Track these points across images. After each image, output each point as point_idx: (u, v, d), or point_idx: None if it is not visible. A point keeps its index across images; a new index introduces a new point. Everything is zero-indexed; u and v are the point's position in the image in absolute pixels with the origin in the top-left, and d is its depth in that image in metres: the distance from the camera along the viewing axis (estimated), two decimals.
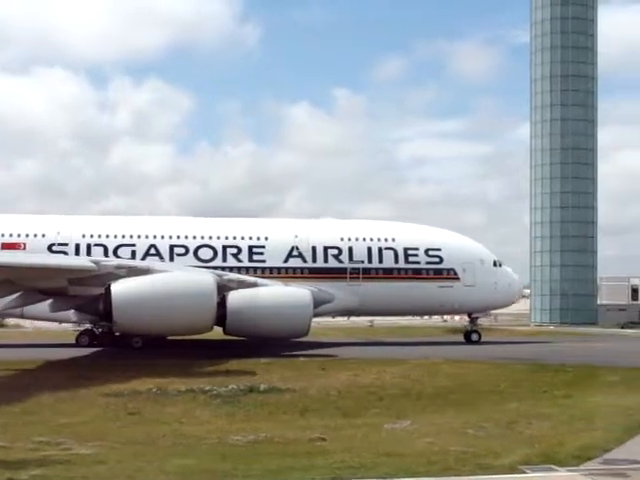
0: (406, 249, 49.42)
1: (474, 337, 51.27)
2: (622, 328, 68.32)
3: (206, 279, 39.78)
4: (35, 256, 42.62)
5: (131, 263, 42.49)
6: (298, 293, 42.95)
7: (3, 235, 45.66)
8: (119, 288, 37.68)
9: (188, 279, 40.41)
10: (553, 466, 15.39)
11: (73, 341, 46.27)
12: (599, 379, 29.87)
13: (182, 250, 46.45)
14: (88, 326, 46.98)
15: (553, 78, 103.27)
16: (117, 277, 38.55)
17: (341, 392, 26.03)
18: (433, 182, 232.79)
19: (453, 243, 51.44)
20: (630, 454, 16.53)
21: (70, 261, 42.02)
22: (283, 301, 42.06)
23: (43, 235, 46.07)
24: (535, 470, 15.07)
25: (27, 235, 45.90)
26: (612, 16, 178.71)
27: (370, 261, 48.70)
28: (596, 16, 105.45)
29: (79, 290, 39.31)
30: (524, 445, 17.33)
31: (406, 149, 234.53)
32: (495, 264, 51.45)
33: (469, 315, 52.59)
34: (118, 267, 39.68)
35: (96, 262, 40.19)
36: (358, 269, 47.95)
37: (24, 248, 45.08)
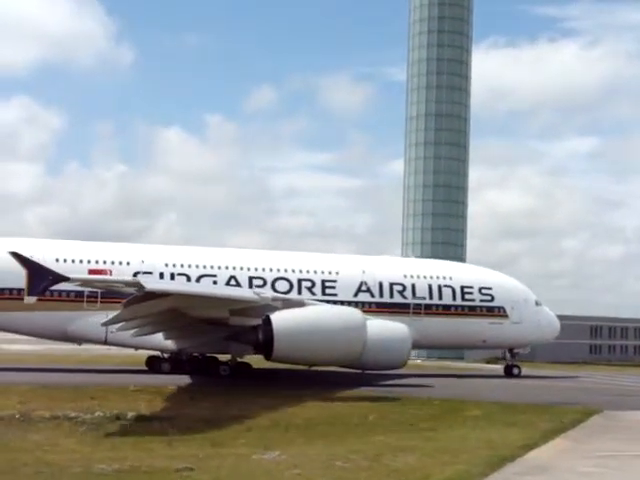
0: (462, 287, 53.75)
1: (515, 371, 55.94)
2: (487, 363, 69.90)
3: (356, 313, 42.10)
4: (211, 287, 45.18)
5: (286, 296, 45.25)
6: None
7: (89, 262, 47.30)
8: (279, 319, 39.04)
9: (341, 313, 42.35)
10: None
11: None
12: (463, 413, 30.45)
13: (260, 282, 48.38)
14: (157, 353, 49.40)
15: (427, 117, 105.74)
16: (273, 309, 39.77)
17: (210, 421, 25.79)
18: (305, 213, 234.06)
19: (502, 283, 56.08)
20: None
21: (240, 293, 43.25)
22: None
23: (128, 263, 47.87)
24: None
25: (112, 262, 47.68)
26: (482, 59, 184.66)
27: (431, 297, 52.47)
28: (470, 59, 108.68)
29: (238, 320, 40.24)
30: (390, 478, 17.51)
31: (279, 179, 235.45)
32: (537, 303, 56.35)
33: (510, 350, 56.56)
34: (274, 299, 41.20)
35: (257, 294, 41.68)
36: (420, 305, 51.38)
37: (110, 275, 46.06)
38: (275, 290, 47.46)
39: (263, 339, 39.40)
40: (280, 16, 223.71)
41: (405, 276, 53.07)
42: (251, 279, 48.61)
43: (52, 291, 43.11)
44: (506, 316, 54.39)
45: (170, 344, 46.27)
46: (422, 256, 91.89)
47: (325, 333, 39.64)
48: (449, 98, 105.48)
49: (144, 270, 47.16)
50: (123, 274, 45.07)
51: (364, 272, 52.11)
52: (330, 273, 51.27)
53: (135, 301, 37.84)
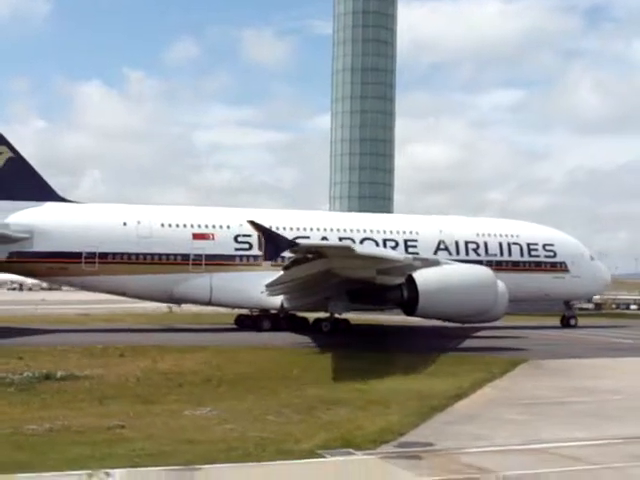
0: (529, 244, 58.27)
1: (572, 322, 60.01)
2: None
3: (488, 271, 44.16)
4: (374, 248, 48.20)
5: (424, 256, 47.39)
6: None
7: (192, 226, 51.49)
8: (423, 278, 40.83)
9: (475, 271, 44.37)
10: (351, 450, 15.76)
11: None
12: (393, 365, 30.77)
13: (349, 242, 48.91)
14: (245, 312, 54.22)
15: (354, 70, 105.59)
16: (414, 268, 41.07)
17: (140, 379, 25.67)
18: (230, 169, 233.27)
19: (563, 239, 60.59)
20: (423, 437, 17.17)
21: (393, 253, 44.72)
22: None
23: (228, 227, 51.99)
24: (334, 454, 15.37)
25: (214, 226, 51.77)
26: (406, 11, 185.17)
27: (501, 254, 56.85)
28: (396, 11, 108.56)
29: (384, 279, 40.84)
30: (323, 430, 17.64)
31: (203, 135, 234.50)
32: (591, 258, 61.26)
33: (566, 302, 61.12)
34: (415, 259, 42.57)
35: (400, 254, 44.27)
36: (492, 262, 53.69)
37: (213, 239, 51.24)
38: None
39: (407, 296, 41.23)
40: None
41: (478, 235, 57.10)
42: (341, 239, 51.73)
43: (160, 255, 50.02)
44: (567, 270, 58.82)
45: (276, 303, 49.83)
46: (350, 210, 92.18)
47: (463, 290, 41.53)
48: (375, 51, 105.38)
49: (243, 233, 51.03)
50: (225, 238, 51.10)
51: (441, 232, 55.89)
52: (411, 233, 55.01)
53: (298, 263, 39.90)
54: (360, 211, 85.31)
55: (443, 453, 15.78)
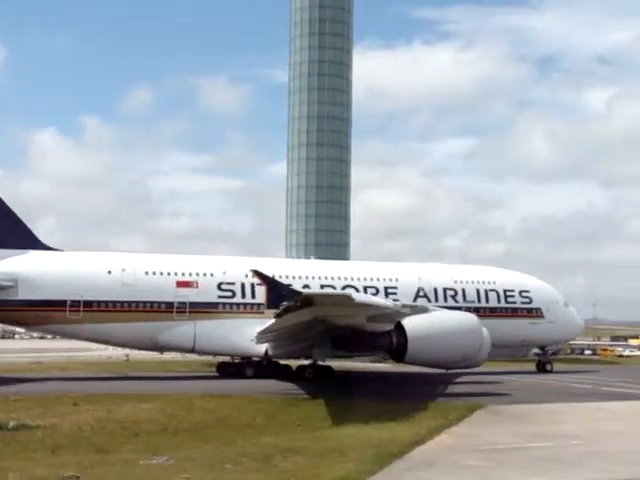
0: (505, 291, 59.24)
1: (548, 367, 61.01)
2: (372, 362, 70.35)
3: (474, 317, 44.53)
4: (368, 296, 47.06)
5: (412, 303, 49.08)
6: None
7: (177, 274, 51.57)
8: (411, 324, 41.17)
9: (462, 317, 44.79)
10: None
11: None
12: (352, 412, 30.66)
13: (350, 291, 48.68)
14: (226, 359, 54.65)
15: (310, 118, 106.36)
16: (403, 315, 41.55)
17: (94, 428, 25.33)
18: (187, 215, 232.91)
19: (538, 286, 61.54)
20: None
21: (386, 302, 44.02)
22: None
23: (212, 274, 52.19)
24: None
25: (198, 274, 51.89)
26: (361, 60, 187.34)
27: (479, 301, 57.42)
28: (351, 60, 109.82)
29: (373, 327, 41.28)
30: (280, 479, 17.49)
31: (160, 182, 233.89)
32: (565, 304, 62.13)
33: (542, 348, 61.89)
34: (404, 306, 43.49)
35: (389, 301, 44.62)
36: (470, 308, 53.61)
37: (197, 286, 51.32)
38: None
39: (397, 343, 41.48)
40: (156, 16, 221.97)
41: (455, 282, 57.81)
42: (322, 287, 52.29)
43: (144, 302, 49.97)
44: (542, 316, 59.87)
45: (260, 351, 50.01)
46: (307, 257, 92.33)
47: (451, 336, 41.73)
48: (331, 99, 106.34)
49: (227, 281, 52.07)
50: (208, 285, 51.48)
51: (420, 279, 56.62)
52: (391, 280, 55.51)
53: (290, 311, 39.46)
54: (316, 258, 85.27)
55: None
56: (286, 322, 42.13)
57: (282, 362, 53.19)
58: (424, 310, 44.04)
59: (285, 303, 38.66)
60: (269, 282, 39.34)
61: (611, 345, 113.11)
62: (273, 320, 43.79)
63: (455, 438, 24.78)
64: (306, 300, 36.94)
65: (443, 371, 46.90)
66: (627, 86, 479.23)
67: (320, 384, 44.20)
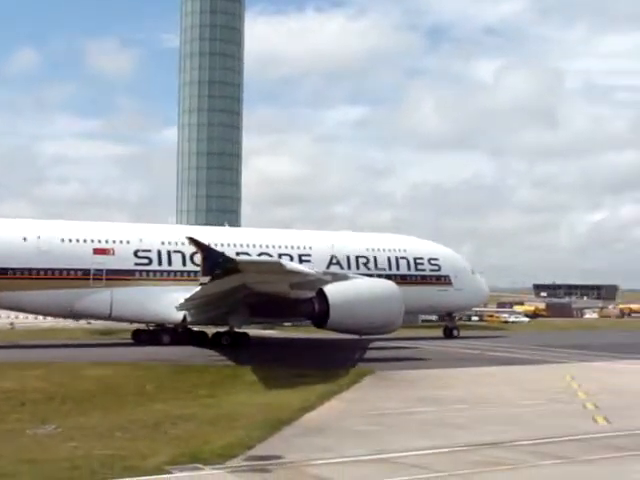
0: (415, 259, 60.56)
1: (455, 333, 63.37)
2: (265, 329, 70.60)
3: (393, 284, 45.22)
4: (295, 263, 47.68)
5: (333, 271, 49.94)
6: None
7: (93, 241, 51.01)
8: (333, 291, 41.80)
9: (383, 284, 45.57)
10: (199, 465, 15.55)
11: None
12: (241, 379, 30.67)
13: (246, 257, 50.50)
14: (141, 326, 54.22)
15: (201, 83, 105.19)
16: (325, 282, 42.00)
17: None
18: (76, 181, 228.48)
19: (446, 254, 63.23)
20: (271, 450, 17.11)
21: (310, 270, 43.60)
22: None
23: (128, 242, 51.86)
24: (182, 470, 15.14)
25: (114, 241, 51.53)
26: (252, 26, 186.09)
27: (390, 268, 58.38)
28: (243, 26, 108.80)
29: (296, 294, 41.66)
30: (170, 446, 17.34)
31: (46, 146, 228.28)
32: (472, 272, 64.06)
33: (449, 314, 64.60)
34: (326, 274, 44.40)
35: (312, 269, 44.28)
36: (381, 275, 54.61)
37: (113, 254, 51.00)
38: None
39: (319, 309, 41.94)
40: None
41: (367, 249, 58.83)
42: (238, 255, 51.08)
43: (60, 270, 49.27)
44: (451, 283, 61.50)
45: (178, 318, 50.16)
46: (197, 224, 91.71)
47: (372, 302, 42.47)
48: (222, 65, 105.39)
49: (143, 248, 51.91)
50: (125, 253, 51.06)
51: (333, 246, 57.23)
52: (305, 248, 56.14)
53: (219, 277, 40.17)
54: (207, 225, 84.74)
55: (291, 465, 15.76)
56: (213, 289, 42.65)
57: (197, 329, 53.52)
58: (345, 277, 44.96)
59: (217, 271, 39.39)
60: (205, 249, 39.48)
61: (497, 311, 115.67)
62: (196, 287, 45.25)
63: (345, 404, 25.03)
64: (238, 267, 37.28)
65: (357, 337, 47.64)
66: (514, 57, 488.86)
67: (235, 351, 44.34)
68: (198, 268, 49.99)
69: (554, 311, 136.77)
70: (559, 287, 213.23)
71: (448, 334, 63.18)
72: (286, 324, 63.51)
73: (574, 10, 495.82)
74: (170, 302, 49.65)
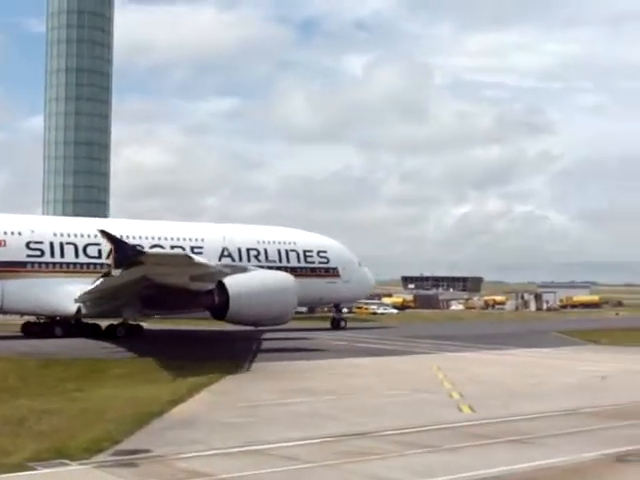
0: (305, 251, 61.84)
1: (342, 324, 65.06)
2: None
3: (288, 276, 46.34)
4: (200, 257, 45.92)
5: (233, 263, 51.53)
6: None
7: None
8: (233, 284, 41.87)
9: (280, 277, 46.23)
10: (65, 461, 15.20)
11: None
12: (109, 372, 30.19)
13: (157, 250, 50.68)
14: (32, 319, 53.91)
15: (69, 71, 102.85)
16: (224, 274, 42.23)
17: None
18: None
19: (335, 246, 64.66)
20: (140, 444, 16.87)
21: (206, 260, 44.25)
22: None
23: (19, 233, 51.11)
24: (46, 466, 14.76)
25: (6, 233, 50.69)
26: (122, 13, 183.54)
27: (280, 261, 59.38)
28: (112, 13, 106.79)
29: (197, 285, 42.03)
30: (34, 441, 16.87)
31: None
32: (359, 264, 65.44)
33: (336, 306, 66.45)
34: (225, 266, 45.51)
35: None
36: (272, 267, 54.78)
37: (4, 245, 50.37)
38: None
39: (219, 301, 42.05)
40: None
41: (258, 242, 59.78)
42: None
43: None
44: (339, 276, 62.81)
45: (71, 310, 50.00)
46: (65, 214, 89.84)
47: (271, 293, 43.13)
48: (91, 53, 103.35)
49: (35, 240, 51.30)
50: (16, 244, 50.48)
51: (225, 239, 57.59)
52: (197, 240, 56.37)
53: (125, 268, 40.49)
54: (75, 216, 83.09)
55: (159, 459, 15.58)
56: (116, 281, 42.92)
57: (90, 321, 53.04)
58: (243, 270, 45.58)
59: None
60: (116, 242, 39.67)
61: (366, 303, 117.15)
62: (89, 279, 46.96)
63: (215, 396, 24.94)
64: (147, 259, 37.82)
65: (252, 328, 48.71)
66: (384, 52, 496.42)
67: (129, 342, 44.18)
68: (90, 260, 51.53)
69: (422, 303, 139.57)
70: (426, 279, 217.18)
71: (336, 325, 64.71)
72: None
73: (442, 8, 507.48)
74: (63, 294, 49.58)
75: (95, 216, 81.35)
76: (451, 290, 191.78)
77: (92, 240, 52.16)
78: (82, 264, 52.11)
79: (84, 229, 53.64)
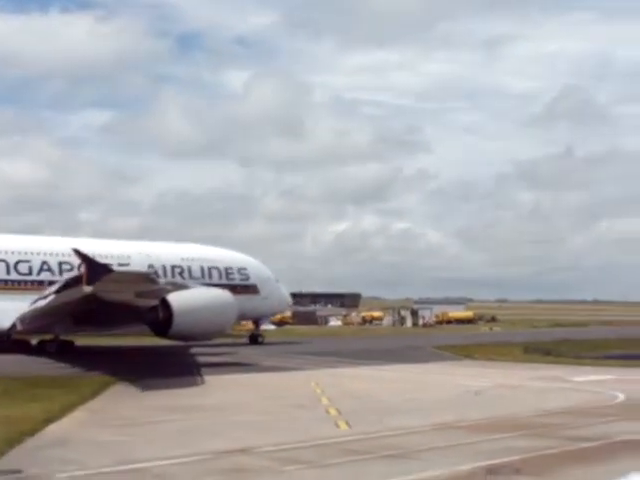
0: (226, 268, 63.48)
1: (260, 339, 66.81)
2: None
3: (228, 293, 46.66)
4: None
5: (173, 280, 53.33)
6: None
7: None
8: (176, 300, 42.30)
9: (220, 293, 46.40)
10: None
11: None
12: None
13: (68, 267, 54.27)
14: None
15: None
16: (167, 291, 42.45)
17: None
18: None
19: (253, 264, 66.61)
20: (10, 464, 16.38)
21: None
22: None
23: None
24: None
25: None
26: None
27: (203, 278, 60.28)
28: None
29: (141, 302, 41.61)
30: None
31: None
32: (276, 280, 68.03)
33: (255, 321, 68.08)
34: (168, 283, 46.61)
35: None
36: (196, 285, 53.40)
37: None
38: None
39: (162, 317, 42.24)
40: None
41: (182, 259, 61.26)
42: (61, 264, 54.91)
43: None
44: (258, 292, 64.56)
45: (4, 325, 51.19)
46: None
47: (213, 309, 43.80)
48: None
49: None
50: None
51: (149, 256, 58.27)
52: (123, 257, 56.29)
53: (66, 288, 43.71)
54: None
55: None
56: (64, 298, 44.44)
57: (19, 337, 53.68)
58: (185, 287, 46.97)
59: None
60: (87, 260, 40.33)
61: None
62: (19, 295, 50.79)
63: (90, 414, 24.53)
64: (115, 277, 38.43)
65: (183, 343, 50.13)
66: (264, 69, 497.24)
67: (60, 358, 44.65)
68: (21, 277, 53.83)
69: (300, 319, 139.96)
70: (305, 295, 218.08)
71: (253, 340, 66.45)
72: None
73: (322, 26, 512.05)
74: None
75: None
76: (329, 306, 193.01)
77: (22, 257, 54.28)
78: (12, 281, 53.50)
79: (15, 246, 55.24)
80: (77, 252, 41.85)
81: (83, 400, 26.96)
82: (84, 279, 39.24)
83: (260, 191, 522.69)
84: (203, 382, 34.87)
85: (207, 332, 45.31)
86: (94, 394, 28.71)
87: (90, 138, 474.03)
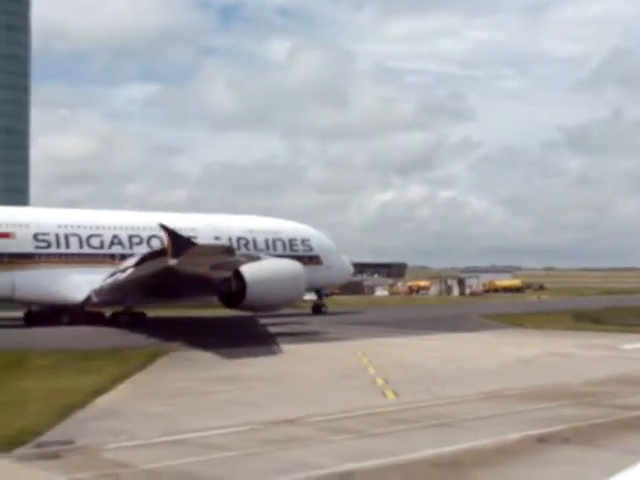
0: (290, 240, 65.32)
1: (323, 309, 68.21)
2: None
3: (298, 264, 48.27)
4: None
5: (247, 252, 54.17)
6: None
7: None
8: (249, 272, 44.14)
9: (291, 264, 47.93)
10: None
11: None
12: (30, 363, 29.68)
13: (137, 240, 57.80)
14: (35, 308, 56.09)
15: None
16: (240, 263, 43.96)
17: None
18: None
19: (316, 235, 68.39)
20: (63, 436, 16.60)
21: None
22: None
23: (27, 226, 54.07)
24: None
25: (15, 225, 53.77)
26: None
27: (268, 249, 61.97)
28: None
29: (216, 274, 42.49)
30: None
31: None
32: (338, 251, 69.61)
33: (317, 291, 69.01)
34: (241, 255, 47.06)
35: None
36: (266, 256, 54.08)
37: (14, 237, 53.34)
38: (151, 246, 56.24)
39: (235, 289, 44.14)
40: None
41: (247, 231, 62.96)
42: (130, 237, 57.62)
43: None
44: (321, 263, 66.26)
45: (77, 299, 53.18)
46: None
47: (283, 281, 45.33)
48: (8, 38, 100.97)
49: (42, 231, 54.29)
50: (25, 236, 53.63)
51: (215, 229, 59.96)
52: (191, 230, 56.61)
53: (144, 262, 45.82)
54: None
55: (83, 450, 15.36)
56: (143, 270, 45.85)
57: (94, 310, 55.63)
58: (257, 258, 48.25)
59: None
60: (172, 234, 41.15)
61: None
62: (95, 268, 52.86)
63: (139, 385, 24.70)
64: (198, 251, 39.35)
65: (251, 314, 52.68)
66: (306, 38, 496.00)
67: (135, 329, 45.92)
68: (93, 251, 55.82)
69: (346, 289, 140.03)
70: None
71: (317, 310, 67.59)
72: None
73: None
74: (70, 284, 52.70)
75: (14, 204, 79.90)
76: (376, 276, 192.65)
77: (94, 232, 56.27)
78: (86, 255, 55.40)
79: (87, 221, 57.40)
80: (163, 227, 42.74)
81: (132, 371, 27.19)
82: (168, 252, 40.31)
83: (305, 161, 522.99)
84: (249, 352, 34.88)
85: (278, 303, 46.83)
86: (144, 365, 28.94)
87: (135, 111, 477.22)
